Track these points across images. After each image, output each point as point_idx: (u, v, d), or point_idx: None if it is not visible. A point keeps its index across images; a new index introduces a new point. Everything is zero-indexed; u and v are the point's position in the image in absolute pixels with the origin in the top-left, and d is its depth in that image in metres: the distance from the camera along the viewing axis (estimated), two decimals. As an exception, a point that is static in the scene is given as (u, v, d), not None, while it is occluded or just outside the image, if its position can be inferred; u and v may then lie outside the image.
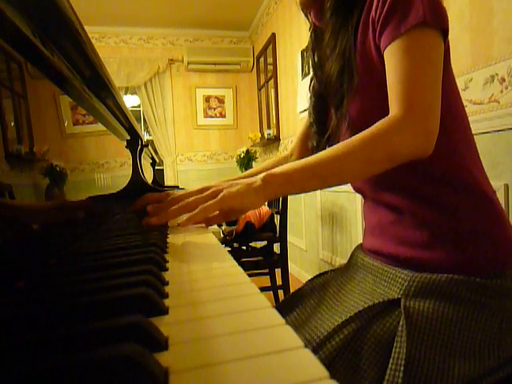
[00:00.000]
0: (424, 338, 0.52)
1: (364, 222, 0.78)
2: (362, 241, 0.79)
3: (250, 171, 0.91)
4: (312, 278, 0.79)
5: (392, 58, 0.57)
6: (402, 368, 0.49)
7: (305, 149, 0.90)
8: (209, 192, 0.60)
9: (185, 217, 0.61)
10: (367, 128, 0.57)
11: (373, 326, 0.56)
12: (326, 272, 0.80)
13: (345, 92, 0.65)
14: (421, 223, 0.62)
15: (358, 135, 0.57)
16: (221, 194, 0.58)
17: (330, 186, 0.61)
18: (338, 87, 0.66)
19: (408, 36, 0.56)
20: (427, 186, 0.62)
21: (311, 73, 0.80)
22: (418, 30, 0.55)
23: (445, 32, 0.57)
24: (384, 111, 0.57)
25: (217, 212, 0.61)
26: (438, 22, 0.56)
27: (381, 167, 0.57)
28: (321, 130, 0.76)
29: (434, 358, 0.51)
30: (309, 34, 0.81)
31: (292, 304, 0.73)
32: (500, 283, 0.56)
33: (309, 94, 0.82)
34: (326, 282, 0.74)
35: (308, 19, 0.80)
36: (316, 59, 0.78)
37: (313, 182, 0.58)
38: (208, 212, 0.58)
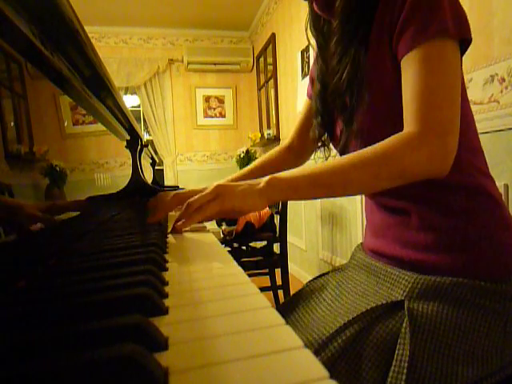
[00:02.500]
0: (428, 340, 0.51)
1: (366, 221, 0.76)
2: (361, 240, 0.78)
3: (248, 168, 0.90)
4: (312, 279, 0.78)
5: (409, 69, 0.54)
6: (405, 370, 0.49)
7: (305, 138, 0.86)
8: (211, 191, 0.59)
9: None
10: (377, 141, 0.55)
11: (375, 327, 0.55)
12: (326, 273, 0.79)
13: (354, 106, 0.61)
14: (427, 226, 0.60)
15: (369, 148, 0.55)
16: (222, 194, 0.58)
17: (335, 197, 0.60)
18: (347, 100, 0.63)
19: (428, 46, 0.52)
20: (434, 192, 0.60)
21: (314, 54, 0.75)
22: (439, 41, 0.52)
23: (466, 41, 0.55)
24: (395, 124, 0.56)
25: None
26: (461, 32, 0.53)
27: (390, 184, 0.55)
28: (325, 123, 0.73)
29: (438, 361, 0.50)
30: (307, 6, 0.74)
31: (293, 306, 0.72)
32: (505, 288, 0.55)
33: (309, 79, 0.76)
34: (326, 283, 0.73)
35: None
36: (321, 39, 0.72)
37: (318, 190, 0.57)
38: (210, 211, 0.58)
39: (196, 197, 0.60)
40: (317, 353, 0.54)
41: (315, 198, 0.60)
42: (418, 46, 0.53)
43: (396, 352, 0.51)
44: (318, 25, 0.73)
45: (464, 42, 0.55)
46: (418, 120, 0.53)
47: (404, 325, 0.53)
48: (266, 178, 0.58)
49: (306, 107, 0.87)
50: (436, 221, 0.60)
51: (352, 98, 0.61)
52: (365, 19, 0.61)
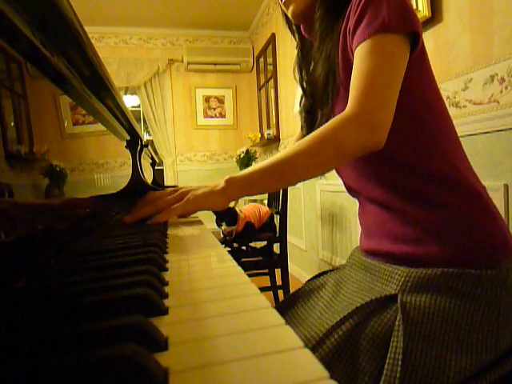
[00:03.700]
0: (421, 332, 0.53)
1: (360, 224, 0.78)
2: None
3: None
4: (311, 279, 0.79)
5: (356, 59, 0.60)
6: (400, 362, 0.50)
7: None
8: (176, 194, 0.66)
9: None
10: None
11: (370, 321, 0.56)
12: (324, 272, 0.80)
13: (330, 92, 0.68)
14: (412, 220, 0.63)
15: (310, 133, 0.60)
16: (186, 197, 0.64)
17: (290, 184, 0.65)
18: (324, 88, 0.69)
19: (372, 40, 0.58)
20: (415, 183, 0.63)
21: (300, 90, 0.83)
22: (381, 35, 0.58)
23: (415, 35, 0.59)
24: None
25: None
26: (405, 27, 0.58)
27: (332, 161, 0.60)
28: None
29: (431, 351, 0.52)
30: (296, 51, 0.83)
31: (291, 304, 0.73)
32: (495, 274, 0.56)
33: (299, 109, 0.84)
34: (324, 282, 0.75)
35: (294, 37, 0.83)
36: (304, 75, 0.81)
37: (270, 181, 0.62)
38: (174, 213, 0.64)
39: (160, 195, 0.67)
40: (314, 349, 0.56)
41: (273, 189, 0.66)
42: (363, 41, 0.59)
43: (391, 345, 0.53)
44: (303, 59, 0.81)
45: (416, 35, 0.60)
46: (352, 99, 0.59)
47: (398, 318, 0.54)
48: (225, 178, 0.64)
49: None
50: (419, 214, 0.62)
51: (328, 88, 0.68)
52: (337, 21, 0.67)
